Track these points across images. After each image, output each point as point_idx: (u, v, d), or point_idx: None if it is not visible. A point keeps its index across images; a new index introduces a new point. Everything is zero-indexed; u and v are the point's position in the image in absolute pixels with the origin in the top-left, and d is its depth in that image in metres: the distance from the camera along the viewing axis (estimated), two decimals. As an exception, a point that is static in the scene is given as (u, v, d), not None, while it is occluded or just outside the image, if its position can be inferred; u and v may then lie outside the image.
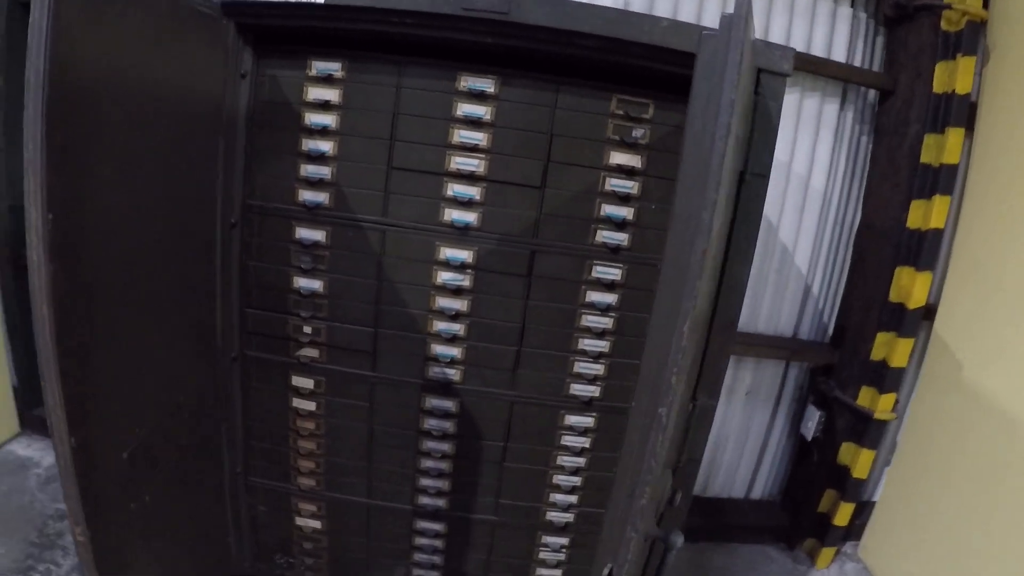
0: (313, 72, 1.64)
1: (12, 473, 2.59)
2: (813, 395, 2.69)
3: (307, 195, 1.67)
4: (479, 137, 1.62)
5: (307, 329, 1.77)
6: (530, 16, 1.43)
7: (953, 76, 2.18)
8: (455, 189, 1.65)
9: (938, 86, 2.22)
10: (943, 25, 2.20)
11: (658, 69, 1.50)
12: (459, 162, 1.64)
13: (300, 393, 1.82)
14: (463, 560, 1.98)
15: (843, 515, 2.56)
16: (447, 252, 1.68)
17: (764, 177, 1.43)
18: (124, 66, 1.15)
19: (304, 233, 1.69)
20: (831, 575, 2.64)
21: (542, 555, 1.95)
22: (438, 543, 1.94)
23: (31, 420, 2.77)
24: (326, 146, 1.65)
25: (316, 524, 1.96)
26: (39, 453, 2.71)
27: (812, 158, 2.49)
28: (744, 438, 2.84)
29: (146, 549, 1.44)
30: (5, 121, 2.39)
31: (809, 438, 2.65)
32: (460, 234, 1.67)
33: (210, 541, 1.88)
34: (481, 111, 1.61)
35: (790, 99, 2.42)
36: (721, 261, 1.54)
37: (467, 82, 1.60)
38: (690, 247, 0.98)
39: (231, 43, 1.57)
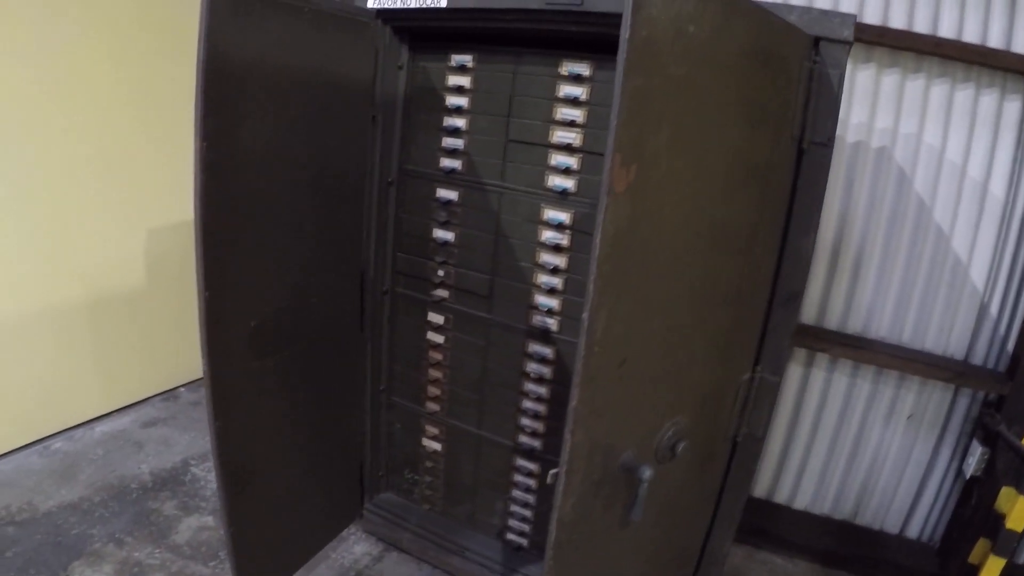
0: (452, 63, 2.29)
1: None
2: (979, 428, 2.72)
3: (446, 162, 2.33)
4: (576, 114, 2.11)
5: (440, 272, 2.40)
6: (600, 5, 1.87)
7: None
8: (556, 159, 2.17)
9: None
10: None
11: None
12: (560, 135, 2.14)
13: (433, 327, 2.48)
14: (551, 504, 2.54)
15: (991, 571, 2.56)
16: (549, 213, 2.19)
17: (826, 146, 1.73)
18: (264, 54, 1.79)
19: (442, 193, 2.35)
20: (968, 639, 2.64)
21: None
22: (531, 482, 2.44)
23: None
24: (460, 122, 2.29)
25: (437, 446, 2.60)
26: None
27: (990, 162, 2.57)
28: (902, 466, 2.95)
29: (265, 407, 2.10)
30: None
31: (968, 475, 2.70)
32: (560, 197, 2.18)
33: (343, 441, 2.57)
34: (578, 91, 2.10)
35: (963, 96, 2.56)
36: (782, 232, 1.84)
37: (567, 67, 2.11)
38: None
39: (388, 41, 2.27)
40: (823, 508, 3.14)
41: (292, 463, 2.32)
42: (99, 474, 3.15)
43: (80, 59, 3.05)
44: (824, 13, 1.71)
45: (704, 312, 1.69)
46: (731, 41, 1.45)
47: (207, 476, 3.19)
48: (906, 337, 2.85)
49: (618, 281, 1.31)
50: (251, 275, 1.98)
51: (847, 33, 1.67)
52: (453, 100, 2.35)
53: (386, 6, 2.26)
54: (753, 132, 1.64)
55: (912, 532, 3.05)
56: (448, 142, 2.36)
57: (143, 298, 3.56)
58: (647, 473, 1.46)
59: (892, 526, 3.06)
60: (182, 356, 3.82)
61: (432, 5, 2.17)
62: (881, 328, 2.87)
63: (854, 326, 2.89)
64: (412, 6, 2.21)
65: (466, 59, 2.31)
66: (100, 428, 3.50)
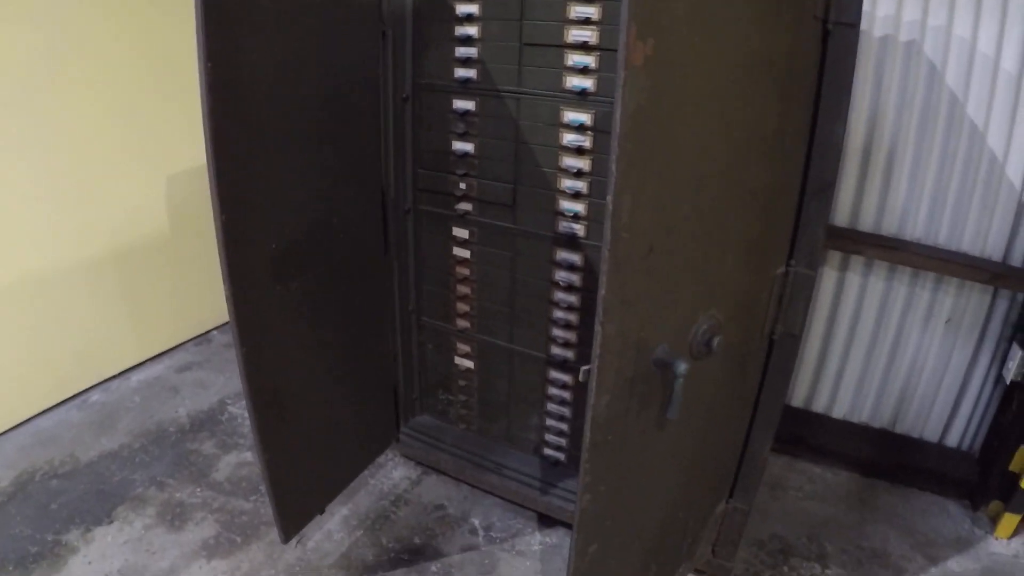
0: None
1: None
2: (1019, 332, 2.70)
3: (460, 72, 2.32)
4: (591, 11, 2.09)
5: (462, 185, 2.41)
6: None
7: None
8: (573, 59, 2.15)
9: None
10: None
11: None
12: (575, 34, 2.13)
13: (458, 242, 2.50)
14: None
15: (1035, 477, 2.56)
16: (569, 115, 2.19)
17: (852, 27, 1.69)
18: None
19: (459, 104, 2.35)
20: (1011, 548, 2.68)
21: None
22: (566, 395, 2.47)
23: None
24: (472, 30, 2.27)
25: (469, 364, 2.64)
26: None
27: (1024, 54, 2.53)
28: (941, 373, 2.95)
29: (291, 331, 2.15)
30: None
31: (1008, 380, 2.68)
32: (579, 98, 2.17)
33: (374, 364, 2.61)
34: None
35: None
36: (810, 122, 1.80)
37: None
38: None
39: None
40: (861, 416, 3.15)
41: (324, 389, 2.36)
42: (137, 421, 3.25)
43: (89, 9, 3.10)
44: None
45: (734, 200, 1.68)
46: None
47: (243, 413, 3.26)
48: (942, 238, 2.82)
49: (642, 161, 1.30)
50: (268, 197, 2.00)
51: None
52: (463, 8, 2.33)
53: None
54: (777, 9, 1.65)
55: (952, 440, 3.05)
56: (461, 52, 2.37)
57: (168, 245, 3.64)
58: (682, 367, 1.44)
59: (931, 434, 3.07)
60: (211, 300, 3.87)
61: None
62: (916, 230, 2.85)
63: (888, 228, 2.88)
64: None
65: (474, -34, 2.32)
66: (136, 377, 3.60)
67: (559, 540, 2.62)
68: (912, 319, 2.94)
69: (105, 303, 3.42)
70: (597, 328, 1.33)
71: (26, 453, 3.02)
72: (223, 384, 3.56)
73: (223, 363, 3.74)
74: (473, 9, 2.31)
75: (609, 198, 1.25)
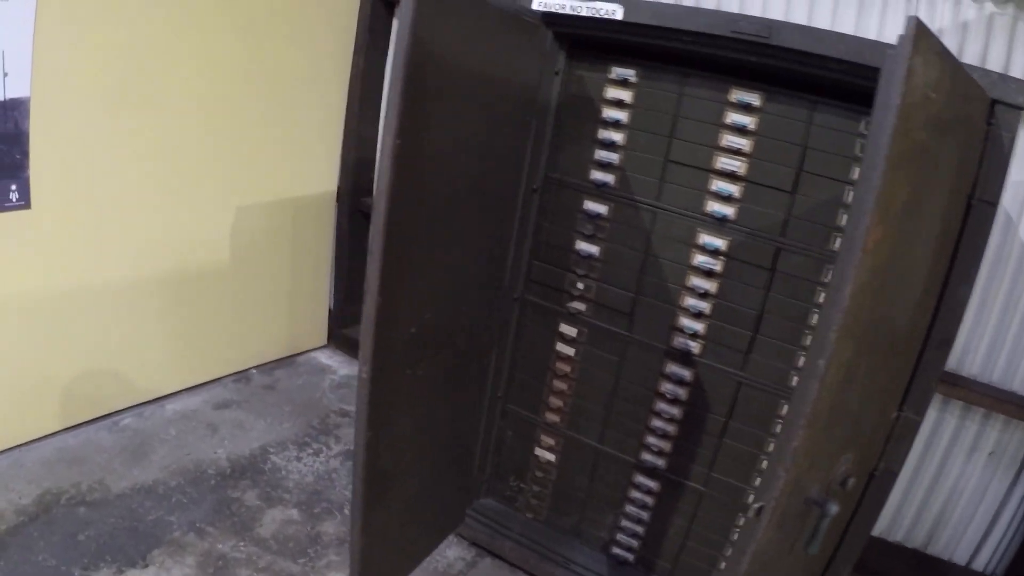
0: (612, 75, 2.34)
1: (311, 373, 4.00)
2: None
3: (597, 175, 2.40)
4: (743, 143, 2.20)
5: (580, 285, 2.46)
6: (787, 40, 1.96)
7: None
8: (718, 185, 2.25)
9: None
10: None
11: None
12: (724, 162, 2.22)
13: (564, 339, 2.55)
14: (666, 522, 2.53)
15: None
16: (705, 238, 2.27)
17: (993, 204, 1.85)
18: (456, 51, 1.84)
19: (590, 205, 2.41)
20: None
21: (737, 536, 2.46)
22: (648, 500, 2.53)
23: (338, 338, 4.22)
24: (617, 136, 2.34)
25: (551, 457, 2.67)
26: (337, 364, 4.12)
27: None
28: (978, 500, 3.11)
29: (408, 415, 2.17)
30: (362, 95, 3.75)
31: None
32: (719, 224, 2.26)
33: (460, 447, 2.64)
34: (746, 120, 2.18)
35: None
36: (943, 280, 1.94)
37: (737, 95, 2.19)
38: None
39: (548, 46, 2.32)
40: (897, 536, 3.38)
41: (419, 468, 2.37)
42: (173, 456, 3.16)
43: (201, 29, 3.08)
44: (1002, 78, 1.83)
45: (891, 351, 1.83)
46: (955, 107, 1.57)
47: (288, 466, 3.22)
48: (996, 377, 3.09)
49: (854, 332, 1.40)
50: (419, 280, 2.02)
51: (1022, 99, 1.80)
52: (611, 113, 2.42)
53: (553, 10, 2.34)
54: (953, 192, 1.83)
55: (979, 564, 3.22)
56: (602, 155, 2.44)
57: (222, 276, 3.56)
58: (833, 509, 1.55)
59: (961, 557, 3.24)
60: (256, 337, 3.85)
61: (607, 15, 2.26)
62: (974, 367, 3.08)
63: (949, 363, 3.13)
64: (583, 14, 2.29)
65: (628, 73, 2.37)
66: (171, 406, 3.51)
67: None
68: (959, 449, 3.17)
69: (149, 324, 3.32)
70: (779, 473, 1.39)
71: (50, 470, 2.90)
72: (264, 430, 3.49)
73: (263, 406, 3.67)
74: (621, 116, 2.39)
75: (821, 361, 1.33)
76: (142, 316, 3.30)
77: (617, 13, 2.22)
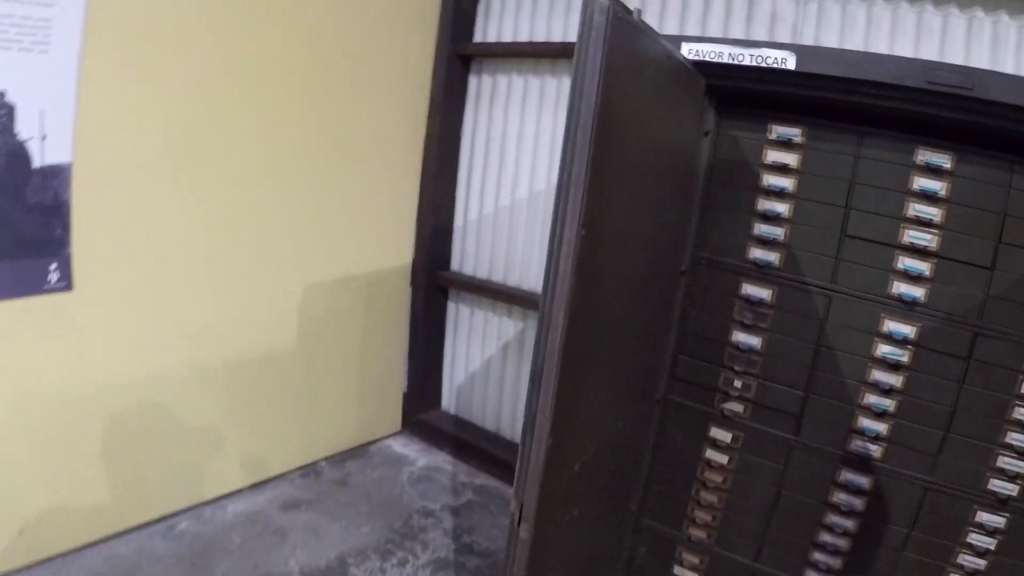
0: (773, 136, 2.07)
1: (387, 465, 3.54)
2: None
3: (757, 253, 2.10)
4: (933, 212, 1.94)
5: (737, 383, 2.16)
6: (994, 92, 1.72)
7: None
8: (906, 263, 1.98)
9: None
10: None
11: None
12: (912, 235, 1.96)
13: (716, 445, 2.23)
14: None
15: None
16: (891, 325, 1.99)
17: None
18: (636, 114, 1.61)
19: (750, 290, 2.12)
20: None
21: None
22: None
23: (413, 423, 3.82)
24: (781, 208, 2.07)
25: None
26: (415, 453, 3.67)
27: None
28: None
29: (560, 563, 1.84)
30: (439, 159, 3.51)
31: None
32: (906, 308, 1.98)
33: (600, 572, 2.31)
34: (937, 186, 1.93)
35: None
36: None
37: (924, 156, 1.93)
38: None
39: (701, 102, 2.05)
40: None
41: None
42: (239, 568, 2.76)
43: (263, 89, 2.84)
44: None
45: None
46: None
47: None
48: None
49: None
50: (589, 408, 1.71)
51: None
52: (772, 180, 2.13)
53: (708, 59, 2.06)
54: None
55: None
56: (763, 230, 2.15)
57: (286, 360, 3.25)
58: None
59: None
60: (324, 426, 3.50)
61: (775, 64, 1.99)
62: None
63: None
64: (745, 63, 2.02)
65: (793, 133, 2.10)
66: (232, 507, 3.12)
67: None
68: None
69: (207, 416, 2.98)
70: None
71: (99, 584, 2.44)
72: (340, 535, 3.08)
73: (336, 506, 3.26)
74: (787, 184, 2.11)
75: None
76: (198, 407, 2.95)
77: (789, 62, 1.93)
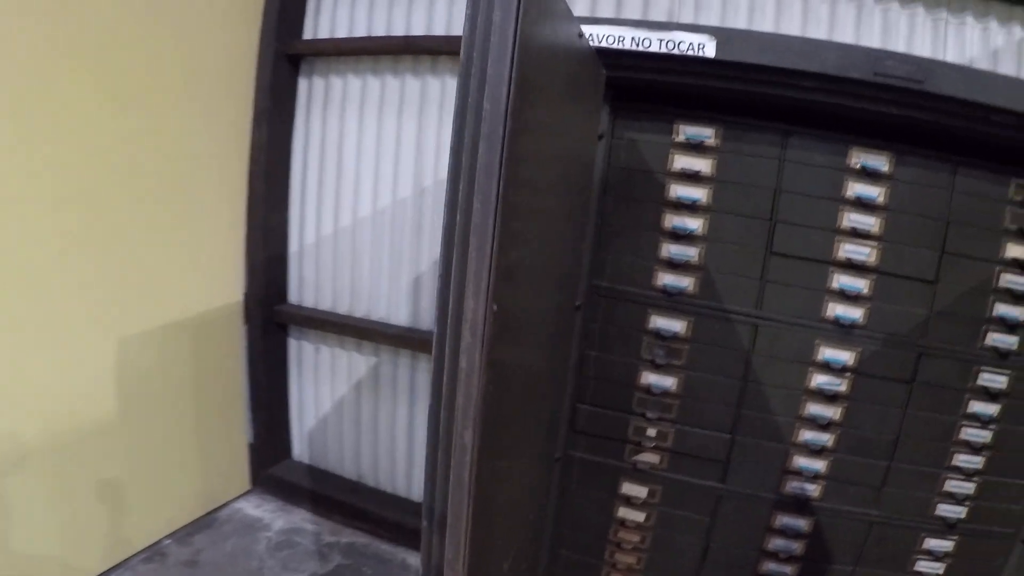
0: (681, 138, 1.72)
1: (241, 533, 2.93)
2: None
3: (667, 279, 1.77)
4: (870, 222, 1.70)
5: (651, 431, 1.85)
6: (946, 87, 1.51)
7: None
8: (841, 281, 1.73)
9: None
10: None
11: None
12: (848, 250, 1.71)
13: (630, 502, 1.91)
14: None
15: None
16: (827, 352, 1.75)
17: None
18: (549, 120, 1.25)
19: (661, 323, 1.78)
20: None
21: None
22: None
23: (263, 480, 3.24)
24: (694, 224, 1.73)
25: None
26: (270, 515, 3.10)
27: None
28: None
29: None
30: (267, 176, 2.99)
31: None
32: (843, 332, 1.74)
33: None
34: (874, 192, 1.69)
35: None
36: None
37: (859, 158, 1.68)
38: None
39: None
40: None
41: None
42: None
43: (50, 98, 2.18)
44: None
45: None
46: None
47: None
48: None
49: None
50: (516, 496, 1.40)
51: None
52: (682, 191, 1.76)
53: (608, 45, 1.66)
54: None
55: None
56: (672, 251, 1.78)
57: (108, 431, 2.61)
58: None
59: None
60: (163, 499, 2.87)
61: (692, 52, 1.59)
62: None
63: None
64: (654, 49, 1.62)
65: (705, 134, 1.74)
66: None
67: None
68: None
69: (16, 511, 2.33)
70: None
71: None
72: None
73: None
74: (699, 195, 1.76)
75: None
76: (3, 502, 2.27)
77: (707, 48, 1.56)
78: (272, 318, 3.13)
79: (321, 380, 3.29)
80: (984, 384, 1.82)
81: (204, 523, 2.99)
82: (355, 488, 3.24)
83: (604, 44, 1.60)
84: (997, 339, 1.80)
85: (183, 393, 2.85)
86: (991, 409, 1.84)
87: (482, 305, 0.99)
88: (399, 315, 3.07)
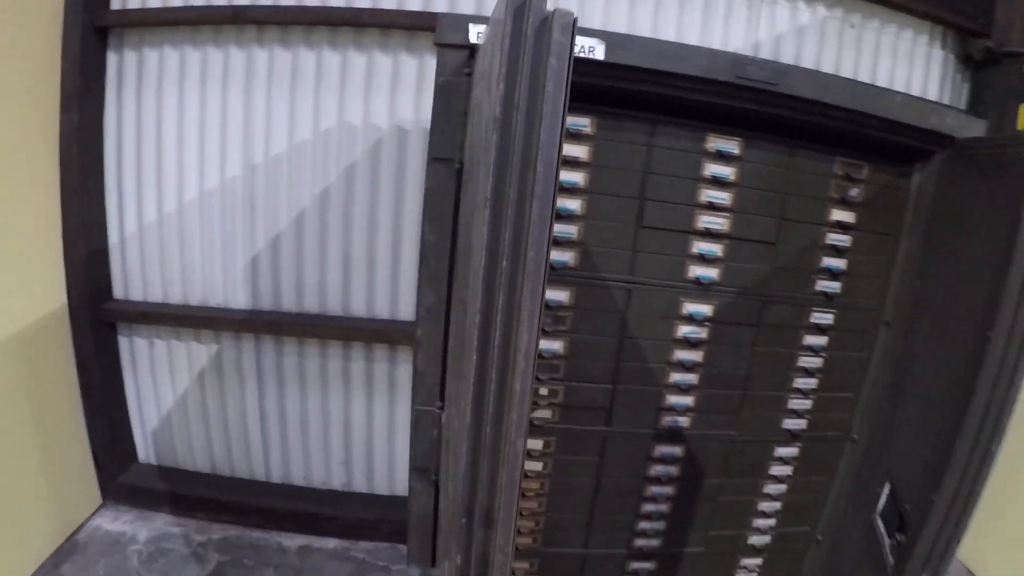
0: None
1: (108, 552, 2.82)
2: None
3: (553, 255, 1.97)
4: (724, 197, 1.99)
5: (543, 391, 2.08)
6: (797, 88, 1.81)
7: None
8: (701, 247, 2.02)
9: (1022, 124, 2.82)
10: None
11: (878, 136, 1.98)
12: (706, 221, 1.99)
13: (529, 455, 2.13)
14: None
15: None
16: (690, 307, 2.04)
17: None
18: None
19: (549, 294, 1.98)
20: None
21: (738, 576, 2.36)
22: None
23: (114, 490, 3.11)
24: (573, 204, 1.94)
25: None
26: (131, 527, 2.99)
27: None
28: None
29: None
30: (81, 163, 2.81)
31: None
32: (703, 289, 2.04)
33: None
34: (727, 171, 1.97)
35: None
36: None
37: (715, 143, 1.96)
38: None
39: None
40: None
41: None
42: None
43: None
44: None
45: None
46: None
47: None
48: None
49: None
50: None
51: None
52: (564, 176, 1.99)
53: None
54: None
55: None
56: (558, 229, 2.03)
57: None
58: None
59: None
60: (17, 535, 2.65)
61: (581, 54, 1.76)
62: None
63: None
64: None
65: (582, 123, 1.95)
66: None
67: None
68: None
69: None
70: None
71: None
72: None
73: None
74: (576, 179, 2.00)
75: None
76: None
77: (597, 51, 1.76)
78: (100, 317, 2.98)
79: (160, 376, 3.16)
80: (815, 321, 2.19)
81: (67, 550, 2.86)
82: (212, 482, 3.21)
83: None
84: (824, 285, 2.18)
85: (17, 415, 2.66)
86: (821, 341, 2.23)
87: (535, 338, 1.19)
88: (237, 298, 3.03)
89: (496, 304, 1.17)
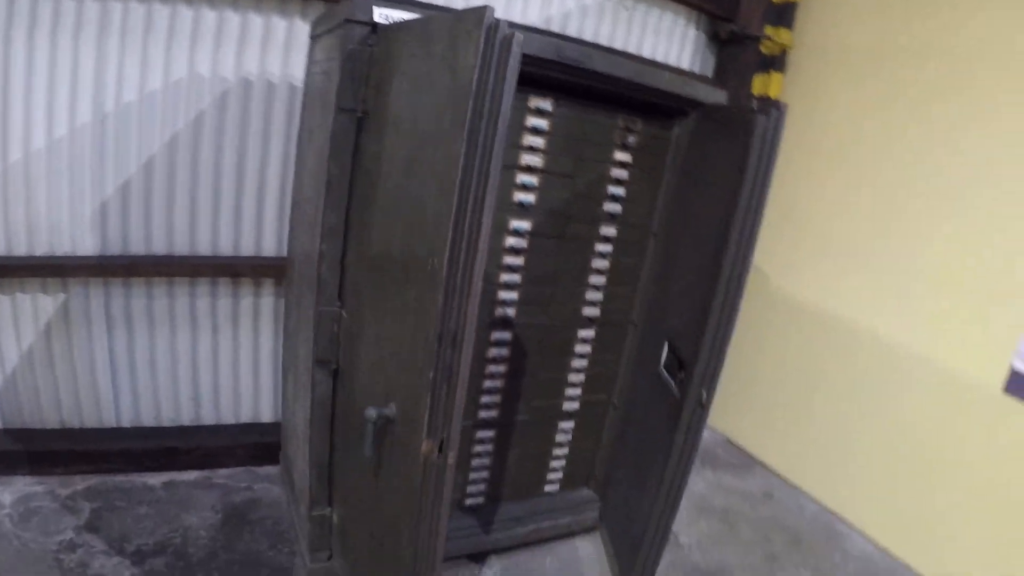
0: None
1: None
2: None
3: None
4: (540, 142, 2.63)
5: None
6: (596, 65, 2.46)
7: (767, 85, 3.88)
8: (523, 179, 2.65)
9: (756, 91, 3.91)
10: (763, 50, 3.88)
11: (651, 100, 2.73)
12: (527, 159, 2.62)
13: None
14: (505, 456, 3.05)
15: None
16: (515, 223, 2.67)
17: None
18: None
19: None
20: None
21: (558, 438, 3.15)
22: (490, 447, 2.99)
23: None
24: None
25: None
26: None
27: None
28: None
29: None
30: None
31: None
32: (524, 210, 2.67)
33: None
34: (543, 123, 2.62)
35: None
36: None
37: (535, 102, 2.59)
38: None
39: None
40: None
41: None
42: None
43: None
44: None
45: None
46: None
47: None
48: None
49: None
50: None
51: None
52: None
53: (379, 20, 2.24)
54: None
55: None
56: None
57: None
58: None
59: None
60: None
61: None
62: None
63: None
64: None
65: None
66: None
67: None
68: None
69: None
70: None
71: None
72: None
73: None
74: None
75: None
76: None
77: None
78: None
79: (4, 335, 3.03)
80: (603, 234, 2.93)
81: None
82: (64, 435, 3.22)
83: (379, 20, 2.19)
84: (609, 207, 2.90)
85: None
86: (608, 248, 2.97)
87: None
88: (85, 245, 3.01)
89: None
